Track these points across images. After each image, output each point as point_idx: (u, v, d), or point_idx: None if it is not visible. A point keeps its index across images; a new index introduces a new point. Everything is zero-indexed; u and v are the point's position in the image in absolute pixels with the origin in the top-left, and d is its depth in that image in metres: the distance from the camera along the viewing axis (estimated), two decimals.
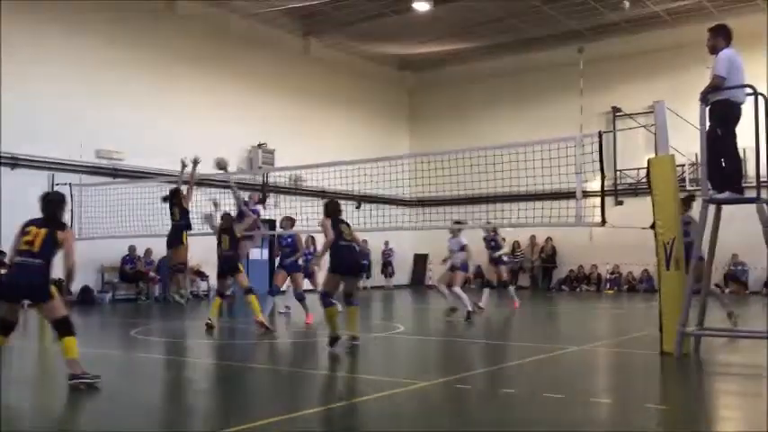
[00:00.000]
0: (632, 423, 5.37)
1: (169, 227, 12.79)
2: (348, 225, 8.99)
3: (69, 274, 6.61)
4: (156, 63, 19.02)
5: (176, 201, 12.49)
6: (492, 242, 14.65)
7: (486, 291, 14.53)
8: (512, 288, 15.27)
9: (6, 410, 5.73)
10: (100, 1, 17.76)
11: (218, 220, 12.36)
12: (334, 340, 8.65)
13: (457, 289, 12.53)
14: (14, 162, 15.97)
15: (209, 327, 10.92)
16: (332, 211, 8.96)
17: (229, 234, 11.76)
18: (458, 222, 13.46)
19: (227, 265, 11.57)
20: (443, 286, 12.94)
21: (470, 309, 12.19)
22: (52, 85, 16.70)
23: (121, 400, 6.29)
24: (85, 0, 17.45)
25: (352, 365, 8.31)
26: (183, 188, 12.78)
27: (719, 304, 10.70)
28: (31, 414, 5.98)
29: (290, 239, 12.74)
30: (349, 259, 8.79)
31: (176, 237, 12.48)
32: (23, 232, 6.52)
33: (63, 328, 6.46)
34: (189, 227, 12.64)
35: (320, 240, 9.74)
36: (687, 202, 10.74)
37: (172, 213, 12.53)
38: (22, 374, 7.56)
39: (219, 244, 11.75)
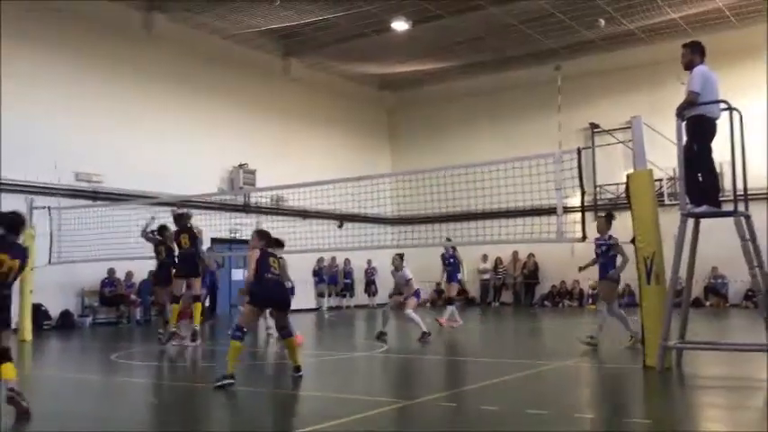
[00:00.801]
0: None
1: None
2: (277, 258, 8.29)
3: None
4: (136, 85, 18.93)
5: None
6: (451, 259, 14.61)
7: (452, 308, 14.55)
8: (454, 307, 14.97)
9: None
10: (77, 24, 17.77)
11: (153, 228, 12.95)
12: (227, 378, 7.53)
13: (409, 311, 12.21)
14: None
15: (174, 335, 11.79)
16: (266, 242, 8.23)
17: (188, 232, 11.93)
18: (399, 255, 12.86)
19: (189, 266, 11.85)
20: (389, 309, 12.75)
21: (425, 330, 11.92)
22: (29, 108, 16.53)
23: (101, 426, 6.19)
24: (60, 22, 17.46)
25: (334, 385, 8.25)
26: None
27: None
28: None
29: None
30: (274, 293, 8.03)
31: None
32: None
33: (5, 357, 6.39)
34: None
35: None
36: (608, 220, 10.92)
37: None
38: None
39: (179, 245, 11.95)
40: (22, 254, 6.49)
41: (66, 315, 16.53)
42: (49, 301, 16.08)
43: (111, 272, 17.35)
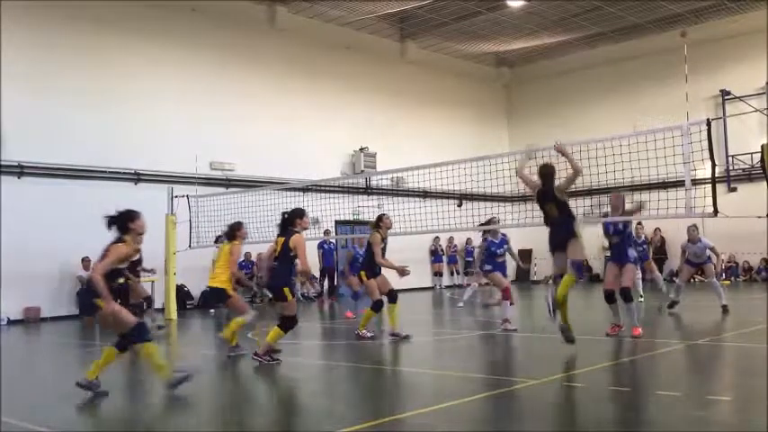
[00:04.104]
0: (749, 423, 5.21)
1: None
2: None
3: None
4: (262, 77, 19.94)
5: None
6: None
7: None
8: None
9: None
10: (211, 23, 18.86)
11: None
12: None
13: (713, 280, 12.99)
14: (137, 177, 17.19)
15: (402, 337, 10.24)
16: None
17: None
18: (695, 226, 12.80)
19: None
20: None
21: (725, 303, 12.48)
22: (168, 106, 17.85)
23: (236, 400, 6.70)
24: (195, 22, 18.58)
25: (457, 365, 8.43)
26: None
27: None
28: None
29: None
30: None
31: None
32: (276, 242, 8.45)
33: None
34: None
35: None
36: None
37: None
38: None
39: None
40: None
41: (205, 295, 17.65)
42: (190, 282, 17.28)
43: (247, 255, 18.37)
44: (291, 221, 8.40)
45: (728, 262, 21.87)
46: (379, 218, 10.84)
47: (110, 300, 6.52)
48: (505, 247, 11.52)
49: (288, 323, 8.25)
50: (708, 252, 12.85)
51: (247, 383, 7.82)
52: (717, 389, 6.62)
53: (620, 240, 10.19)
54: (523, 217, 18.59)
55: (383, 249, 10.50)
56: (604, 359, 8.34)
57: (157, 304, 16.33)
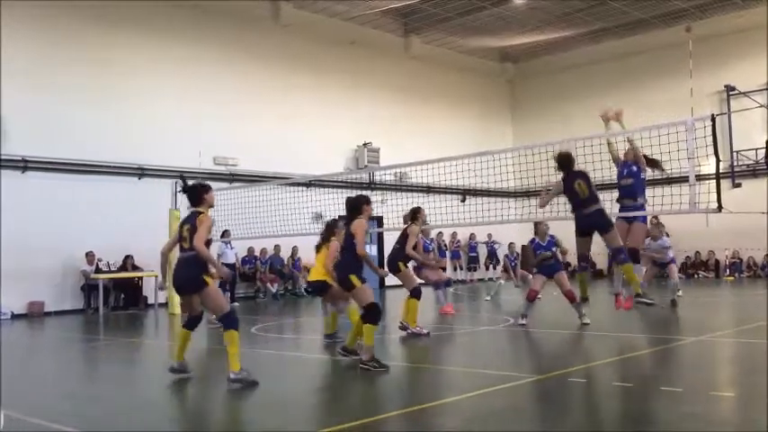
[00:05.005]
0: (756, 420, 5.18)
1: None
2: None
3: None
4: (266, 73, 19.93)
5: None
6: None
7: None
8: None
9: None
10: (214, 19, 18.83)
11: None
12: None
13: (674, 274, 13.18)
14: (141, 172, 17.21)
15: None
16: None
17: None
18: (657, 224, 13.08)
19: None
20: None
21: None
22: (172, 102, 17.85)
23: (246, 397, 6.71)
24: (199, 18, 18.57)
25: (463, 359, 8.45)
26: None
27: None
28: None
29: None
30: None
31: None
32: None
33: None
34: None
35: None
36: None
37: None
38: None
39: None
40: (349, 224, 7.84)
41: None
42: None
43: (251, 250, 18.40)
44: (358, 208, 7.85)
45: (732, 258, 21.83)
46: (417, 210, 10.84)
47: (220, 269, 7.01)
48: (554, 249, 11.18)
49: (370, 314, 7.46)
50: (668, 252, 12.94)
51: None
52: (719, 385, 6.61)
53: (633, 182, 9.46)
54: (527, 213, 18.65)
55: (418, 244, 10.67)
56: (608, 355, 8.34)
57: (161, 299, 16.39)
